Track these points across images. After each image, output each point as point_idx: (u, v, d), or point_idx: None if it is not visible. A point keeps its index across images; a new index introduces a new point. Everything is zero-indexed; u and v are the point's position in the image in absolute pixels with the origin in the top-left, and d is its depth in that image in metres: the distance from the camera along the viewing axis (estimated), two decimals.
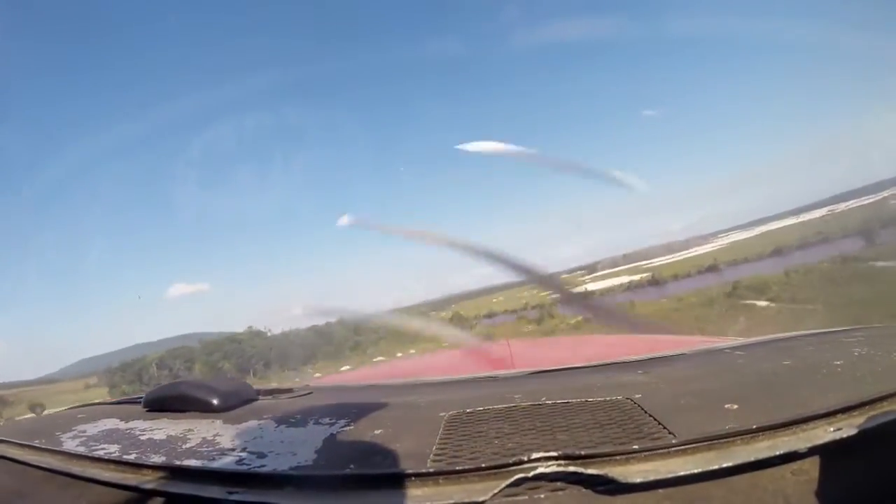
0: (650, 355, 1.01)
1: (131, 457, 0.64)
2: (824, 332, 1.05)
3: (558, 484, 0.49)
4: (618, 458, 0.50)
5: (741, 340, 1.12)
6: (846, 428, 0.51)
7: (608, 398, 0.69)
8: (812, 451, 0.49)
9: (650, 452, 0.50)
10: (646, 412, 0.61)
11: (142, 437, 0.73)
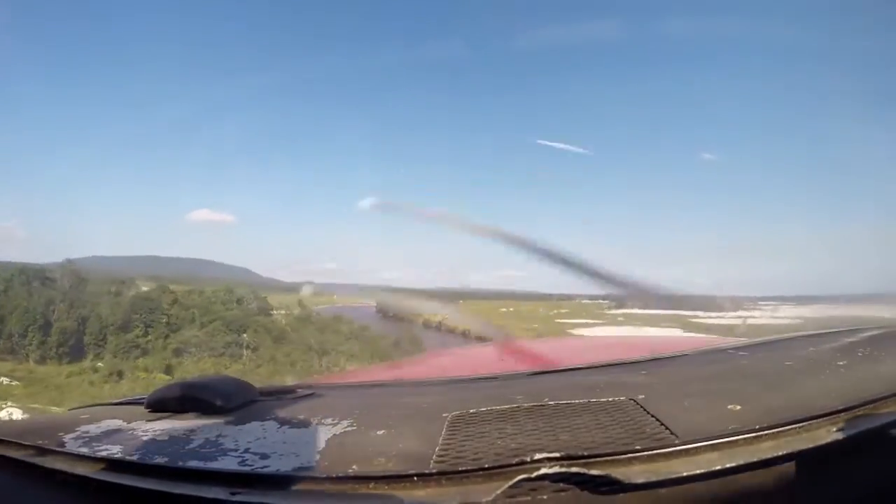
0: (653, 356, 1.01)
1: (134, 458, 0.64)
2: (827, 333, 1.05)
3: (561, 485, 0.49)
4: (620, 458, 0.50)
5: (744, 341, 1.12)
6: (849, 428, 0.51)
7: (611, 399, 0.69)
8: (815, 452, 0.49)
9: (653, 453, 0.50)
10: (648, 413, 0.61)
11: (144, 438, 0.73)
